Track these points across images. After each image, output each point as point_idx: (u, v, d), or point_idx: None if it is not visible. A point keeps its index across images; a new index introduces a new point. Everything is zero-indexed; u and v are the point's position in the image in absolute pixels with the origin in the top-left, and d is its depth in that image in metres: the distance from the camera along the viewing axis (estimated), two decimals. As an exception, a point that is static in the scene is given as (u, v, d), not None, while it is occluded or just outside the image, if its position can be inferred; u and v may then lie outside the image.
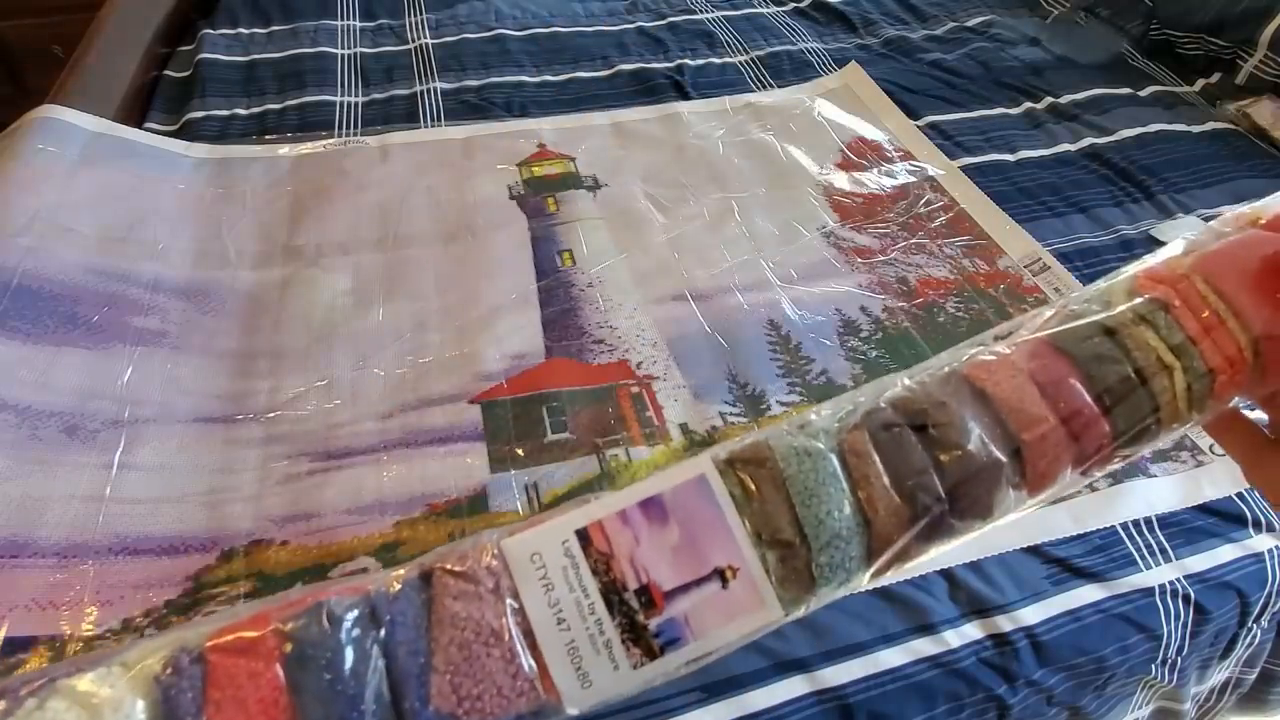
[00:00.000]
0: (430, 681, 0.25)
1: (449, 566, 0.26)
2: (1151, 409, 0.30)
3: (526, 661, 0.25)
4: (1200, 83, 1.18)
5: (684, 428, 0.72)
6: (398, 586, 0.27)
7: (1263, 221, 0.32)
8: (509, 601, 0.26)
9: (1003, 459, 0.29)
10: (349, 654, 0.25)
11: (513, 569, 0.26)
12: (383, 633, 0.25)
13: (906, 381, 0.31)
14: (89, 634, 0.56)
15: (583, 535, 0.26)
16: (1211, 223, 0.34)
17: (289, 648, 0.25)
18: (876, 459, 0.28)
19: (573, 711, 0.26)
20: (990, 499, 0.29)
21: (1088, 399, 0.30)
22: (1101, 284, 0.33)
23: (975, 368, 0.30)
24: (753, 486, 0.28)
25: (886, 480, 0.28)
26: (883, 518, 0.28)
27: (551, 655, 0.25)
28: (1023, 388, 0.29)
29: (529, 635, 0.26)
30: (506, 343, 0.78)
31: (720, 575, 0.27)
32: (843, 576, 0.28)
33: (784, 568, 0.28)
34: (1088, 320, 0.31)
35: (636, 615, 0.26)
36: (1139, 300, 0.31)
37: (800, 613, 0.29)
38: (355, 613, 0.26)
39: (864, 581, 0.29)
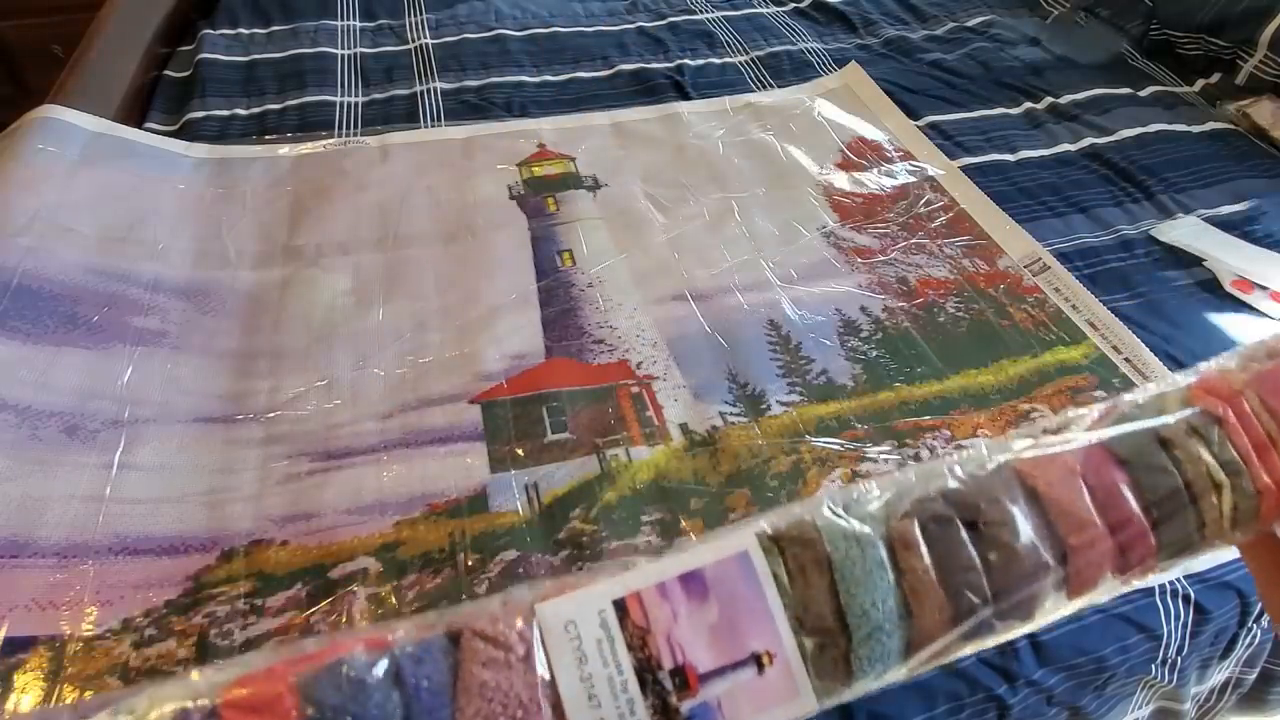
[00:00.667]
0: None
1: (480, 629, 0.25)
2: (1198, 525, 0.30)
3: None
4: (1200, 83, 1.18)
5: (684, 428, 0.72)
6: (424, 638, 0.25)
7: None
8: (540, 672, 0.25)
9: (1050, 563, 0.29)
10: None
11: (546, 638, 0.25)
12: (407, 697, 0.24)
13: (958, 471, 0.30)
14: (89, 634, 0.56)
15: (620, 606, 0.25)
16: (1266, 338, 0.33)
17: (309, 711, 0.23)
18: (925, 552, 0.27)
19: None
20: (1034, 603, 0.29)
21: (1137, 510, 0.29)
22: (1153, 387, 0.33)
23: (1028, 465, 0.30)
24: (796, 568, 0.27)
25: (934, 575, 0.27)
26: (927, 613, 0.27)
27: None
28: (1075, 490, 0.29)
29: (557, 708, 0.24)
30: (506, 343, 0.78)
31: (757, 660, 0.26)
32: (880, 670, 0.27)
33: (822, 657, 0.27)
34: (1143, 427, 0.30)
35: (669, 697, 0.25)
36: (1193, 412, 0.30)
37: (832, 703, 0.27)
38: (379, 674, 0.24)
39: (901, 675, 0.28)
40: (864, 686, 0.28)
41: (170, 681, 0.25)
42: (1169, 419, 0.30)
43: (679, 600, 0.25)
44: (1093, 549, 0.29)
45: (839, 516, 0.28)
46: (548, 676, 0.25)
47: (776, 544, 0.27)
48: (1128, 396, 0.33)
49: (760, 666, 0.26)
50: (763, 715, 0.26)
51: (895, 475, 0.30)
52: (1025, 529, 0.28)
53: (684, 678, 0.25)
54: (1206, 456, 0.30)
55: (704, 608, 0.26)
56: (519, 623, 0.25)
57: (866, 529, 0.27)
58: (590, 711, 0.24)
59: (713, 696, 0.25)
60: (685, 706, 0.25)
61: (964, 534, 0.28)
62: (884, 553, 0.27)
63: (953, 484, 0.29)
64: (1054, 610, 0.30)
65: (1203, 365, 0.33)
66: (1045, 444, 0.30)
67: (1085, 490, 0.29)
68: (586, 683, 0.24)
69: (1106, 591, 0.31)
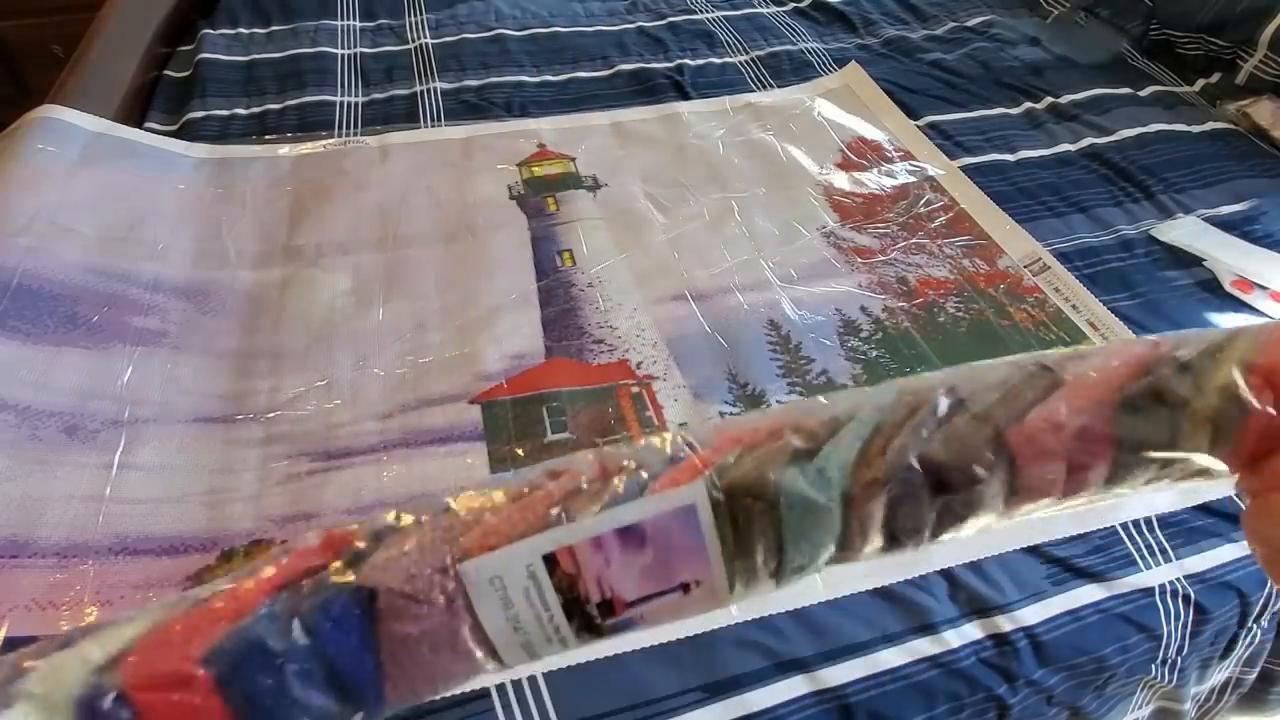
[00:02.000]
0: (384, 691, 0.25)
1: (399, 589, 0.25)
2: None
3: (479, 654, 0.26)
4: (1200, 83, 1.18)
5: (684, 428, 0.71)
6: (330, 598, 0.25)
7: None
8: (464, 615, 0.25)
9: (1000, 510, 0.28)
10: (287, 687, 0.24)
11: (470, 590, 0.25)
12: (328, 662, 0.24)
13: (942, 411, 0.27)
14: (89, 634, 0.56)
15: (549, 559, 0.25)
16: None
17: (226, 687, 0.23)
18: (880, 516, 0.27)
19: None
20: (964, 531, 0.29)
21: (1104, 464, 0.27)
22: (1222, 333, 0.28)
23: (1026, 442, 0.27)
24: (744, 517, 0.26)
25: (882, 529, 0.27)
26: (862, 553, 0.28)
27: (507, 653, 0.26)
28: (1051, 463, 0.27)
29: (484, 643, 0.26)
30: (506, 343, 0.78)
31: (684, 586, 0.27)
32: (798, 587, 0.29)
33: (746, 583, 0.27)
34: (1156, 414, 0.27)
35: (595, 619, 0.26)
36: (1235, 412, 0.26)
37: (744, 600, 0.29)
38: (294, 640, 0.24)
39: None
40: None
41: (63, 652, 0.23)
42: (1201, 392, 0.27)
43: (613, 550, 0.25)
44: (1044, 497, 0.28)
45: (802, 472, 0.26)
46: (472, 620, 0.25)
47: (730, 497, 0.26)
48: (1179, 339, 0.28)
49: (686, 590, 0.27)
50: (680, 617, 0.27)
51: (876, 401, 0.28)
52: (992, 496, 0.27)
53: (610, 606, 0.26)
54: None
55: (639, 554, 0.26)
56: (438, 578, 0.25)
57: (826, 498, 0.26)
58: (516, 636, 0.26)
59: (636, 613, 0.26)
60: (609, 623, 0.26)
61: (928, 500, 0.27)
62: (838, 517, 0.27)
63: (937, 446, 0.27)
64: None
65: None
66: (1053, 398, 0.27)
67: (1063, 457, 0.27)
68: (513, 620, 0.25)
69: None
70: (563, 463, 0.27)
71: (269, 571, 0.25)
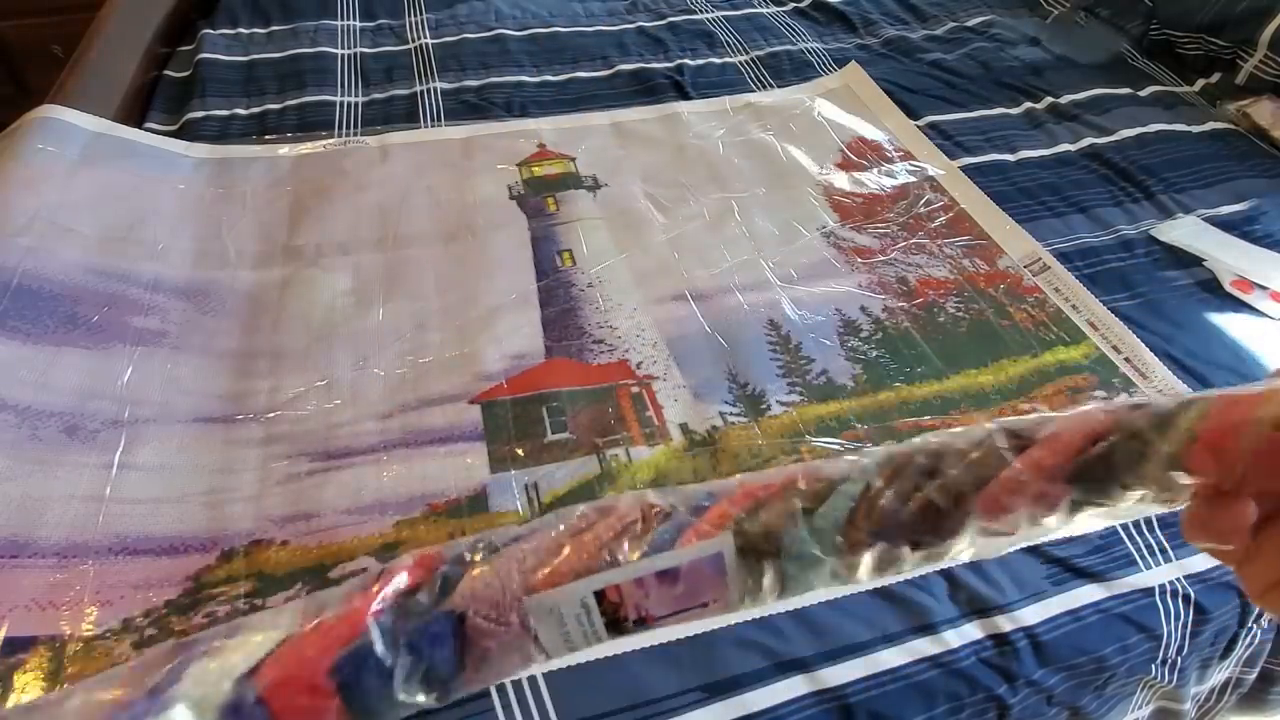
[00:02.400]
0: (460, 684, 0.32)
1: (486, 614, 0.31)
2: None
3: (534, 655, 0.32)
4: (1200, 83, 1.18)
5: (684, 428, 0.72)
6: (433, 617, 0.31)
7: None
8: (529, 632, 0.32)
9: (972, 547, 0.32)
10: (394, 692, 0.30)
11: (533, 617, 0.31)
12: (425, 669, 0.31)
13: (925, 487, 0.32)
14: (89, 634, 0.56)
15: (599, 594, 0.31)
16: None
17: (345, 695, 0.29)
18: (867, 562, 0.32)
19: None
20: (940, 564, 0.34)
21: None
22: (1175, 401, 0.30)
23: (988, 504, 0.31)
24: (756, 561, 0.32)
25: (870, 568, 0.33)
26: (853, 582, 0.33)
27: (555, 653, 0.33)
28: (1021, 525, 0.31)
29: (541, 650, 0.32)
30: (506, 343, 0.78)
31: (704, 604, 0.32)
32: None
33: (754, 599, 0.33)
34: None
35: (628, 629, 0.33)
36: (1179, 479, 0.29)
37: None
38: (401, 655, 0.30)
39: None
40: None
41: (210, 660, 0.28)
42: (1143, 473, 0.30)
43: (652, 586, 0.32)
44: (1009, 536, 0.32)
45: (803, 531, 0.32)
46: (534, 633, 0.31)
47: (742, 554, 0.32)
48: (1130, 406, 0.32)
49: (705, 606, 0.32)
50: (697, 623, 0.34)
51: (864, 465, 0.33)
52: (961, 542, 0.32)
53: (644, 620, 0.32)
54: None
55: (673, 588, 0.32)
56: (516, 604, 0.31)
57: (822, 554, 0.32)
58: (565, 645, 0.32)
59: (663, 623, 0.33)
60: (639, 630, 0.32)
61: (904, 552, 0.32)
62: (830, 564, 0.32)
63: (913, 510, 0.32)
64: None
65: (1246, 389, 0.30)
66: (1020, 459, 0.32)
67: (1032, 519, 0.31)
68: (565, 636, 0.32)
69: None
70: (610, 501, 0.34)
71: (375, 589, 0.31)
